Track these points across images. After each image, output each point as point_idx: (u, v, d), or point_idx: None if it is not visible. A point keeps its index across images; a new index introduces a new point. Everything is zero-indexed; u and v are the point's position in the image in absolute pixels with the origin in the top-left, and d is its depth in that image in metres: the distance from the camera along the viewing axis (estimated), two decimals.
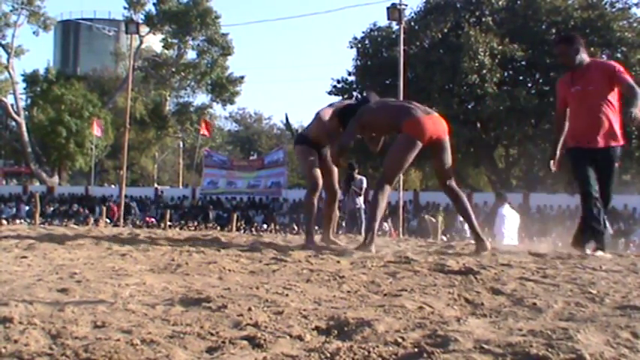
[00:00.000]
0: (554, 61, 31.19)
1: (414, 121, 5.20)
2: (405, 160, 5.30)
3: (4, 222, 15.82)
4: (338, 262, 4.39)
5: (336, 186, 6.20)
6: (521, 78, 33.96)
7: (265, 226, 25.30)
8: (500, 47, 30.65)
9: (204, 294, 3.03)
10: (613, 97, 5.35)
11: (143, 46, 42.33)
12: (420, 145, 5.19)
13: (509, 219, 9.81)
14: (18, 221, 21.26)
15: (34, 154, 41.48)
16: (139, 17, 40.51)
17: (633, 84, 5.22)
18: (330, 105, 6.05)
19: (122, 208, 18.70)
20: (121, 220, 18.38)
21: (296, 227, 21.54)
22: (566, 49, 5.44)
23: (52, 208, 32.11)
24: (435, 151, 5.37)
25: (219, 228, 18.51)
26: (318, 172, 5.84)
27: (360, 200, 13.32)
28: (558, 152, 5.60)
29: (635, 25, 31.49)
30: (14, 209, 32.25)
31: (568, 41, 5.53)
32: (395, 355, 2.11)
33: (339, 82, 35.55)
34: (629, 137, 30.25)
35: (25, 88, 45.73)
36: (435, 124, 5.31)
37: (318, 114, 5.93)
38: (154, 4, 41.25)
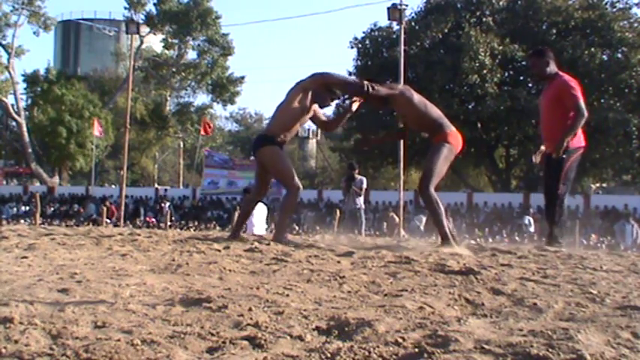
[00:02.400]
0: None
1: (455, 132, 5.69)
2: (446, 168, 5.71)
3: (4, 222, 15.83)
4: (338, 262, 4.40)
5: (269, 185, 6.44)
6: (521, 78, 33.96)
7: (266, 226, 25.29)
8: (500, 47, 30.65)
9: (205, 294, 3.03)
10: (563, 110, 5.73)
11: (143, 46, 42.34)
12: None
13: (258, 211, 10.94)
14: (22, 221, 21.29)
15: (34, 155, 41.48)
16: (140, 17, 40.53)
17: (579, 107, 5.65)
18: (288, 93, 5.94)
19: (122, 208, 18.70)
20: (121, 221, 18.38)
21: (296, 227, 21.55)
22: (537, 61, 5.96)
23: (52, 209, 32.12)
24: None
25: (218, 228, 18.53)
26: (294, 172, 5.99)
27: (360, 200, 13.32)
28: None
29: (635, 25, 31.48)
30: (15, 209, 32.28)
31: (539, 54, 6.04)
32: (395, 355, 2.11)
33: None
34: (630, 138, 30.28)
35: (25, 89, 45.78)
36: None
37: (280, 108, 5.93)
38: (154, 4, 41.28)
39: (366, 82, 5.58)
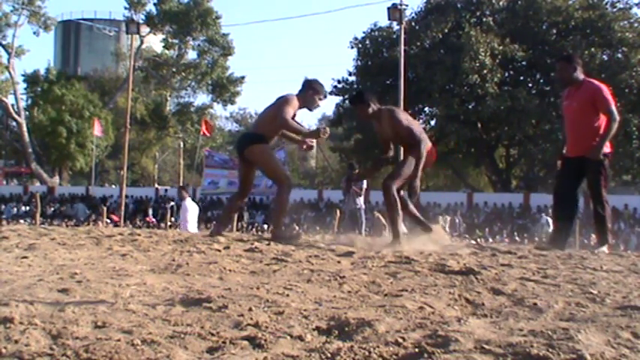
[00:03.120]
0: (554, 61, 31.23)
1: (430, 146, 5.99)
2: (411, 173, 5.93)
3: (4, 222, 15.85)
4: (339, 262, 4.40)
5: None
6: (521, 78, 33.96)
7: (266, 226, 25.30)
8: (500, 47, 30.64)
9: (205, 294, 3.03)
10: (595, 115, 5.81)
11: (144, 46, 42.32)
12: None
13: (191, 210, 11.50)
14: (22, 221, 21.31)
15: (34, 155, 41.47)
16: (140, 17, 40.49)
17: (613, 112, 5.76)
18: (277, 100, 6.11)
19: (122, 208, 18.70)
20: (121, 221, 18.38)
21: (297, 227, 21.55)
22: (565, 66, 6.02)
23: (52, 209, 32.13)
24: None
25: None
26: (286, 170, 6.21)
27: (361, 200, 13.32)
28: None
29: (635, 25, 31.47)
30: (15, 209, 32.28)
31: (567, 60, 6.13)
32: (396, 355, 2.11)
33: (339, 82, 35.55)
34: (630, 138, 30.27)
35: (25, 89, 45.73)
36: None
37: (267, 113, 6.10)
38: (154, 4, 41.25)
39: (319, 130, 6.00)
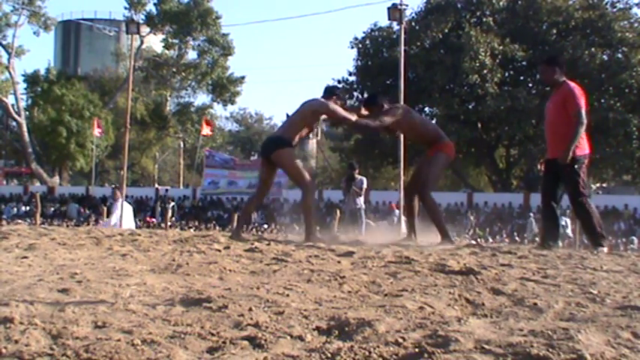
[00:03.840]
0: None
1: (451, 144, 6.44)
2: (441, 175, 6.50)
3: (4, 222, 15.86)
4: (339, 262, 4.40)
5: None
6: (521, 78, 33.96)
7: (266, 226, 25.31)
8: (500, 47, 30.65)
9: (205, 294, 3.03)
10: (567, 116, 5.92)
11: (144, 46, 42.31)
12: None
13: (126, 210, 11.95)
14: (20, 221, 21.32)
15: (34, 155, 41.48)
16: (140, 17, 40.51)
17: (580, 115, 5.83)
18: (302, 106, 6.45)
19: (122, 208, 18.68)
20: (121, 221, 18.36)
21: (297, 227, 21.54)
22: (545, 68, 6.19)
23: (52, 209, 32.12)
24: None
25: (218, 228, 18.52)
26: (308, 174, 6.45)
27: (361, 200, 13.31)
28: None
29: (635, 25, 31.47)
30: (15, 209, 32.28)
31: (547, 62, 6.29)
32: (396, 355, 2.11)
33: (339, 82, 35.53)
34: (630, 138, 30.28)
35: (25, 89, 45.76)
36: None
37: (294, 118, 6.44)
38: (154, 4, 41.27)
39: (373, 125, 6.31)
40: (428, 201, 6.22)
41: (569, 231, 21.33)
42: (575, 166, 5.86)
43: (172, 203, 29.66)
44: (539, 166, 6.74)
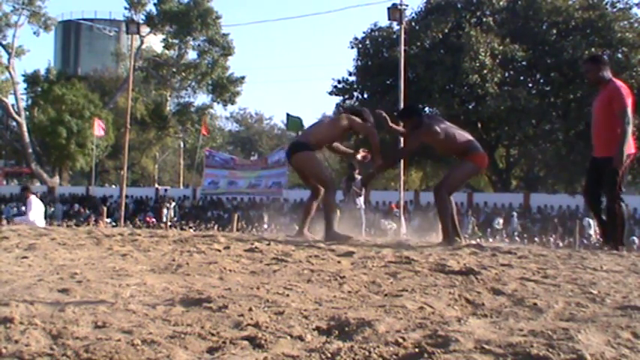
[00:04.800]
0: (554, 61, 31.19)
1: (483, 155, 6.46)
2: (464, 183, 6.56)
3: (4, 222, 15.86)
4: (339, 262, 4.39)
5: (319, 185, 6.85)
6: (521, 78, 33.92)
7: (266, 226, 25.28)
8: (500, 47, 30.63)
9: (205, 294, 3.03)
10: (613, 115, 5.90)
11: (144, 46, 42.29)
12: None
13: (35, 208, 12.22)
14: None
15: (34, 155, 41.46)
16: (140, 17, 40.47)
17: (626, 114, 5.82)
18: (336, 117, 6.84)
19: (122, 208, 18.71)
20: (121, 221, 18.38)
21: (297, 227, 21.50)
22: (591, 67, 6.19)
23: (52, 209, 32.10)
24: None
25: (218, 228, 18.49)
26: (331, 175, 6.68)
27: (361, 200, 13.31)
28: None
29: (636, 25, 31.44)
30: (15, 209, 32.25)
31: (594, 61, 6.33)
32: (396, 355, 2.11)
33: (339, 82, 35.54)
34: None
35: (25, 89, 45.74)
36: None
37: (322, 125, 6.77)
38: (154, 4, 41.21)
39: (406, 150, 6.71)
40: (440, 199, 6.24)
41: (591, 231, 21.33)
42: (621, 167, 5.89)
43: (173, 203, 29.66)
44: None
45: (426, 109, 34.89)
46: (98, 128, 36.91)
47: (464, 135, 6.50)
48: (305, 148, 6.51)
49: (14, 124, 43.58)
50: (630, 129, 5.83)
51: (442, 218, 6.23)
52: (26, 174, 46.38)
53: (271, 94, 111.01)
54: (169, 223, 19.51)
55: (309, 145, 6.53)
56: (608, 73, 6.07)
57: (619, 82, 6.04)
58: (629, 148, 5.94)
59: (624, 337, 2.30)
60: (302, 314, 2.67)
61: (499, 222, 25.69)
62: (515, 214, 26.61)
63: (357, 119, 6.53)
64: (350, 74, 35.77)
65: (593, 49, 29.96)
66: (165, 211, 28.29)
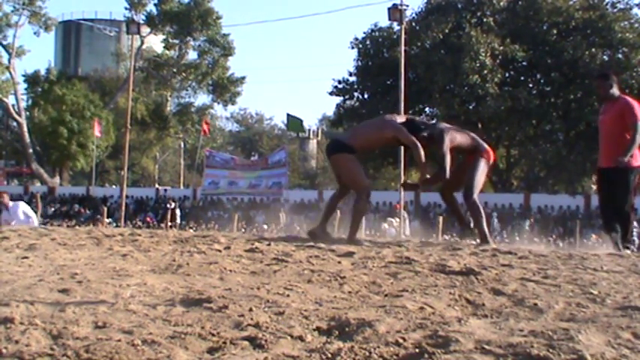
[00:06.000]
0: (554, 62, 31.20)
1: (489, 150, 6.55)
2: (483, 179, 6.55)
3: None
4: (339, 262, 4.40)
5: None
6: (522, 78, 33.91)
7: (266, 226, 25.27)
8: (501, 48, 30.62)
9: (206, 294, 3.03)
10: (624, 129, 6.22)
11: (144, 46, 42.31)
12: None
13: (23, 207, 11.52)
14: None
15: (35, 155, 41.49)
16: (140, 18, 40.49)
17: (637, 127, 6.09)
18: (383, 121, 6.70)
19: (123, 208, 18.71)
20: (122, 221, 18.39)
21: (297, 227, 21.50)
22: (602, 83, 6.51)
23: (53, 209, 32.13)
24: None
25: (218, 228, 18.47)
26: (366, 178, 6.61)
27: None
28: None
29: (636, 25, 31.43)
30: None
31: (604, 77, 6.63)
32: (396, 355, 2.11)
33: (340, 82, 35.54)
34: None
35: (26, 89, 45.75)
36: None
37: (367, 127, 6.74)
38: (155, 4, 41.25)
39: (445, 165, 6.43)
40: (472, 205, 6.34)
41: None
42: (630, 175, 6.19)
43: (173, 204, 29.66)
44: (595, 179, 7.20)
45: (427, 109, 34.95)
46: (97, 129, 36.98)
47: (470, 135, 6.62)
48: (347, 150, 6.41)
49: (15, 124, 43.64)
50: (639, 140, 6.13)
51: (478, 224, 6.33)
52: (27, 174, 46.41)
53: (272, 95, 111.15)
54: (170, 224, 19.47)
55: (352, 148, 6.43)
56: (617, 89, 6.41)
57: (629, 98, 6.42)
58: (636, 159, 6.20)
59: (624, 337, 2.30)
60: (302, 314, 2.67)
61: (528, 223, 25.61)
62: (495, 214, 26.64)
63: (404, 130, 6.42)
64: (350, 74, 35.78)
65: (593, 50, 29.97)
66: (178, 212, 28.31)
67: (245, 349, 2.20)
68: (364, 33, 35.06)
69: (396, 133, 6.46)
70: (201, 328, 2.42)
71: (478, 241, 6.34)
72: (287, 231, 11.00)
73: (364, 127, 6.95)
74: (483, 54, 29.97)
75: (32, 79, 45.57)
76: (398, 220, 19.14)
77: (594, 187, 41.33)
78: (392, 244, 5.83)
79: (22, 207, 11.56)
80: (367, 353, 2.10)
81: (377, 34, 34.75)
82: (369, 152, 7.10)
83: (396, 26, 26.38)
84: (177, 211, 28.27)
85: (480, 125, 32.87)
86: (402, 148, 16.32)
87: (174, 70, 43.32)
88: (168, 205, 28.60)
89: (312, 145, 63.61)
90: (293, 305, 2.86)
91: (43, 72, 46.18)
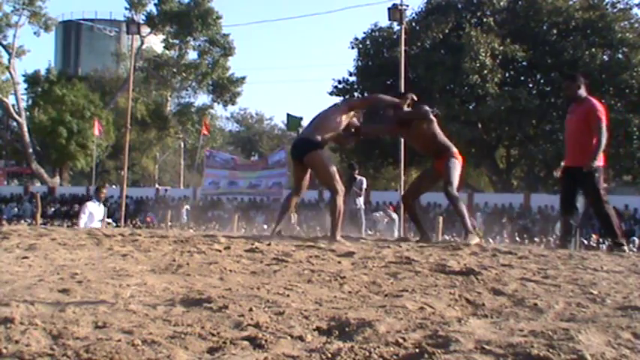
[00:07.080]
0: (554, 62, 31.20)
1: (457, 152, 6.68)
2: (459, 172, 6.62)
3: (5, 222, 15.86)
4: (339, 262, 4.40)
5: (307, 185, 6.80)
6: (522, 78, 33.94)
7: (265, 226, 25.28)
8: (501, 48, 30.63)
9: (206, 294, 3.03)
10: (589, 130, 6.39)
11: (144, 46, 42.31)
12: None
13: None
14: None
15: (35, 155, 41.49)
16: (140, 18, 40.51)
17: (601, 129, 6.30)
18: (335, 105, 6.65)
19: (123, 208, 18.72)
20: (122, 221, 18.40)
21: (297, 227, 21.51)
22: (570, 84, 6.65)
23: (53, 209, 32.12)
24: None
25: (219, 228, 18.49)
26: (337, 176, 6.47)
27: (361, 201, 13.32)
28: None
29: (636, 25, 31.45)
30: (16, 209, 32.28)
31: (572, 79, 6.76)
32: (396, 355, 2.11)
33: (340, 82, 35.57)
34: (630, 138, 30.27)
35: (26, 89, 45.74)
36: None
37: (325, 117, 6.45)
38: (155, 4, 41.24)
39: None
40: (452, 197, 6.46)
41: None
42: (596, 175, 6.33)
43: (186, 206, 29.74)
44: (555, 173, 7.26)
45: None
46: (97, 129, 36.99)
47: (443, 137, 6.78)
48: (316, 147, 6.28)
49: (15, 124, 43.62)
50: (605, 141, 6.30)
51: (461, 216, 6.42)
52: (27, 174, 46.42)
53: (272, 95, 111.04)
54: (170, 224, 19.46)
55: (319, 144, 6.30)
56: (584, 91, 6.56)
57: (595, 100, 6.56)
58: (600, 160, 6.38)
59: (625, 337, 2.30)
60: (302, 314, 2.67)
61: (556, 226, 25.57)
62: (479, 213, 26.67)
63: (354, 99, 6.51)
64: (350, 74, 35.82)
65: (593, 50, 29.99)
66: (184, 211, 28.33)
67: (245, 349, 2.20)
68: (364, 33, 35.15)
69: (348, 105, 6.55)
70: (201, 328, 2.42)
71: (463, 233, 6.46)
72: (286, 231, 10.98)
73: (321, 118, 6.52)
74: (483, 54, 29.98)
75: (32, 79, 45.57)
76: (382, 214, 19.17)
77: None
78: (392, 244, 5.82)
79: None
80: (367, 353, 2.10)
81: (377, 34, 34.78)
82: (335, 142, 6.94)
83: (396, 26, 26.40)
84: (184, 211, 28.38)
85: (480, 125, 32.91)
86: (402, 148, 16.34)
87: (174, 70, 43.33)
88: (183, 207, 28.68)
89: None
90: (293, 305, 2.86)
91: (43, 72, 46.17)
